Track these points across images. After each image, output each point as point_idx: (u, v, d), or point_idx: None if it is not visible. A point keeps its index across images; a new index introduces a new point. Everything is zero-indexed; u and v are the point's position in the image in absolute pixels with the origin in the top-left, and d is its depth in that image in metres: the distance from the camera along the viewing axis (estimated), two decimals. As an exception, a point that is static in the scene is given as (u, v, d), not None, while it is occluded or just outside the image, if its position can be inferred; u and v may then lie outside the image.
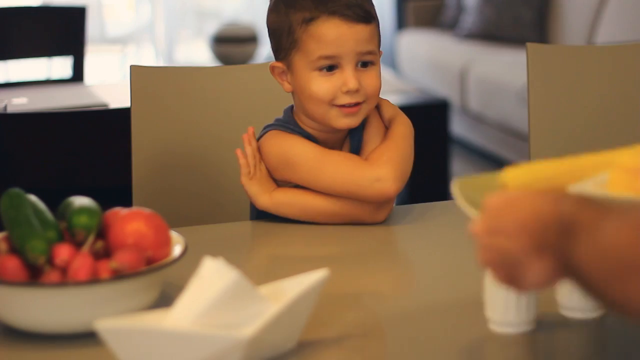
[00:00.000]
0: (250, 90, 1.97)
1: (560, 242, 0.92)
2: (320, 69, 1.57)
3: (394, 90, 3.86)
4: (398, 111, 1.68)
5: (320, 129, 1.63)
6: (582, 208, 0.93)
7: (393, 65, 5.91)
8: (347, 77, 1.56)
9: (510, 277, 1.00)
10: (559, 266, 0.94)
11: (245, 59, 5.46)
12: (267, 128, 1.66)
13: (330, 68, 1.57)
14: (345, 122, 1.59)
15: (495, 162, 4.79)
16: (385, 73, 4.41)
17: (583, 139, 2.12)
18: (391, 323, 1.28)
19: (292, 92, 1.64)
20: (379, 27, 1.62)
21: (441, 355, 1.17)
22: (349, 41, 1.56)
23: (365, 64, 1.58)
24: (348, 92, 1.56)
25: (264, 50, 5.62)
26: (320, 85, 1.57)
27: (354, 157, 1.61)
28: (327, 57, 1.56)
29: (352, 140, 1.67)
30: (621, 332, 1.21)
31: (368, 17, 1.58)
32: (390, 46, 5.97)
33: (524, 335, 1.18)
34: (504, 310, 1.17)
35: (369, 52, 1.58)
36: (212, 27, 5.75)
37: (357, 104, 1.58)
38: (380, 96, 1.68)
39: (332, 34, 1.56)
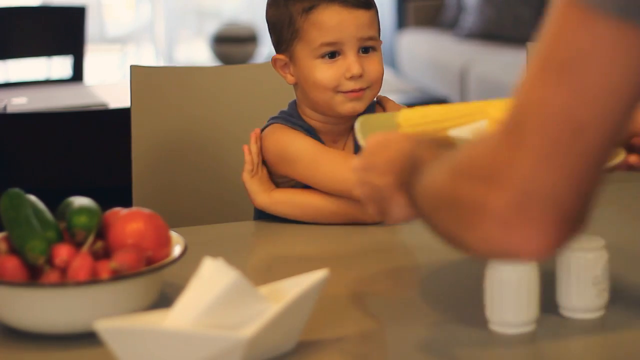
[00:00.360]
0: (250, 90, 1.97)
1: (409, 179, 0.99)
2: (323, 57, 1.58)
3: (394, 89, 3.86)
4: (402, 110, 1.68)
5: (324, 120, 1.64)
6: (427, 150, 1.00)
7: (393, 65, 5.91)
8: (350, 62, 1.57)
9: (381, 209, 1.11)
10: (409, 201, 1.00)
11: (245, 59, 5.46)
12: (271, 121, 1.66)
13: (333, 55, 1.58)
14: (350, 106, 1.59)
15: (495, 162, 4.78)
16: (385, 73, 4.42)
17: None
18: (391, 323, 1.28)
19: (295, 85, 1.65)
20: (378, 15, 1.64)
21: (441, 356, 1.16)
22: (350, 27, 1.57)
23: (366, 50, 1.60)
24: (352, 78, 1.57)
25: (264, 50, 5.62)
26: (324, 72, 1.58)
27: (352, 155, 1.61)
28: (329, 44, 1.58)
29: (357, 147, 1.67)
30: (621, 332, 1.21)
31: (368, 2, 1.60)
32: (391, 46, 5.97)
33: (524, 336, 1.18)
34: (504, 310, 1.17)
35: (370, 38, 1.59)
36: (212, 27, 5.75)
37: (361, 90, 1.59)
38: (381, 96, 1.68)
39: (333, 20, 1.57)
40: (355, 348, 1.18)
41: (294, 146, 1.61)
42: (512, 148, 0.80)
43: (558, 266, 1.23)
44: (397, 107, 1.68)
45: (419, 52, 5.72)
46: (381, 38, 1.66)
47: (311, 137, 1.63)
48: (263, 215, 1.66)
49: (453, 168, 0.88)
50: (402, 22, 5.99)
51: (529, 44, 2.05)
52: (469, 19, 5.47)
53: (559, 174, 0.78)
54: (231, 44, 5.51)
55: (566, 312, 1.23)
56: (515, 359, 1.17)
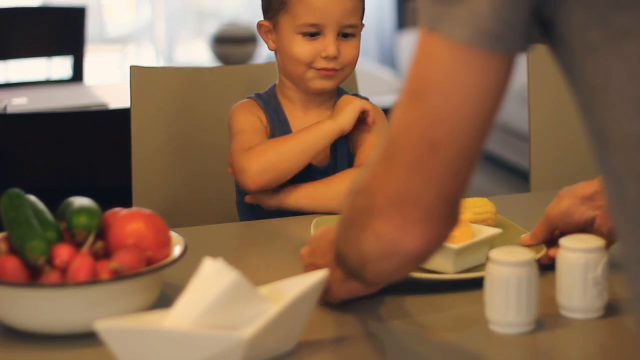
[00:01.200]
0: (250, 90, 1.97)
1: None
2: (304, 34, 1.66)
3: (394, 90, 3.84)
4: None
5: (296, 90, 1.72)
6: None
7: (393, 65, 5.91)
8: (328, 43, 1.66)
9: (325, 289, 1.22)
10: (336, 263, 1.12)
11: (245, 59, 5.45)
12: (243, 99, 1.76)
13: (313, 34, 1.66)
14: (320, 83, 1.69)
15: (495, 162, 4.79)
16: (386, 73, 4.42)
17: (583, 138, 2.12)
18: (391, 323, 1.28)
19: (275, 52, 1.72)
20: (363, 5, 1.71)
21: (441, 356, 1.16)
22: (334, 11, 1.65)
23: (346, 35, 1.68)
24: (326, 58, 1.66)
25: (264, 50, 5.62)
26: (302, 47, 1.67)
27: (251, 147, 1.65)
28: (311, 25, 1.66)
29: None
30: (621, 332, 1.21)
31: None
32: (390, 46, 5.97)
33: (524, 336, 1.18)
34: (504, 310, 1.17)
35: (351, 25, 1.68)
36: (212, 27, 5.75)
37: (333, 69, 1.67)
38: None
39: (320, 2, 1.65)
40: (355, 348, 1.18)
41: (236, 119, 1.70)
42: (387, 163, 0.95)
43: (558, 266, 1.23)
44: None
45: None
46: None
47: (273, 118, 1.72)
48: (246, 217, 1.73)
49: (350, 192, 1.03)
50: (402, 22, 5.99)
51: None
52: (469, 19, 5.47)
53: (424, 182, 0.93)
54: (231, 44, 5.50)
55: (566, 312, 1.23)
56: (515, 359, 1.17)
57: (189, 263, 1.22)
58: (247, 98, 1.75)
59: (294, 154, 1.64)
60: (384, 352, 1.19)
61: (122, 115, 2.08)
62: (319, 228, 1.47)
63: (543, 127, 2.07)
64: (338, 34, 1.67)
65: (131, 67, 1.91)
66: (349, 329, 1.23)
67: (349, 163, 1.73)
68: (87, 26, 3.78)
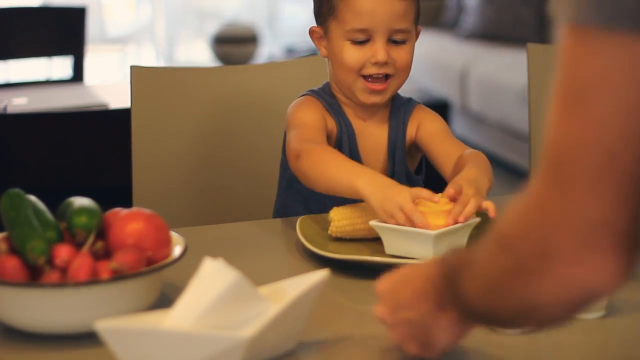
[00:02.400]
0: (250, 90, 1.97)
1: (451, 290, 0.97)
2: (353, 39, 1.61)
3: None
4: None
5: (349, 101, 1.67)
6: (456, 256, 0.99)
7: (393, 65, 5.91)
8: (377, 49, 1.60)
9: (424, 344, 1.06)
10: (461, 312, 0.99)
11: (245, 59, 5.46)
12: (303, 93, 1.70)
13: (363, 41, 1.61)
14: (369, 99, 1.63)
15: (496, 163, 4.79)
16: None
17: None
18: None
19: (328, 58, 1.68)
20: (418, 3, 1.64)
21: (441, 356, 1.16)
22: (382, 15, 1.59)
23: (396, 42, 1.61)
24: (376, 64, 1.60)
25: (264, 50, 5.62)
26: (351, 54, 1.61)
27: (311, 140, 1.59)
28: (360, 30, 1.60)
29: (391, 126, 1.69)
30: (621, 332, 1.21)
31: None
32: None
33: (524, 336, 1.18)
34: (504, 310, 1.17)
35: (402, 30, 1.61)
36: (212, 27, 5.76)
37: (385, 77, 1.61)
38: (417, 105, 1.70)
39: (367, 6, 1.59)
40: (355, 348, 1.18)
41: (295, 113, 1.65)
42: (556, 188, 0.80)
43: (558, 266, 1.23)
44: (427, 115, 1.70)
45: (419, 52, 5.66)
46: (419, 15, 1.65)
47: (334, 111, 1.66)
48: (281, 214, 1.70)
49: (499, 239, 0.87)
50: (402, 22, 5.99)
51: (529, 45, 2.05)
52: (469, 20, 5.47)
53: (611, 201, 0.78)
54: (231, 44, 5.51)
55: (566, 312, 1.23)
56: (515, 359, 1.17)
57: (189, 263, 1.22)
58: (304, 95, 1.70)
59: (324, 182, 1.53)
60: (384, 352, 1.19)
61: (122, 115, 2.08)
62: (303, 229, 1.50)
63: (543, 127, 2.06)
64: (388, 39, 1.60)
65: (131, 67, 1.91)
66: (349, 329, 1.23)
67: (408, 180, 1.69)
68: (88, 26, 3.78)
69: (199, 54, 6.41)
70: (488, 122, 4.86)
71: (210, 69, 2.02)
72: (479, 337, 1.19)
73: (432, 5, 5.94)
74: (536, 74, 2.05)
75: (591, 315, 1.22)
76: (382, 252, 1.44)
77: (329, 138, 1.65)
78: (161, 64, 6.27)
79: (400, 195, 1.42)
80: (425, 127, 1.69)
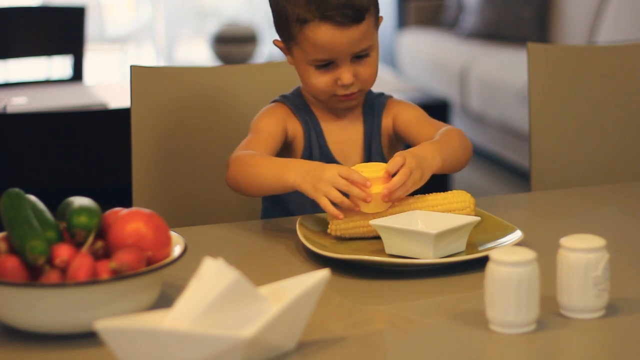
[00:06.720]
0: (250, 90, 1.97)
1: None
2: (317, 65, 1.63)
3: (394, 89, 3.84)
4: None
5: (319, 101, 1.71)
6: None
7: (393, 64, 5.91)
8: (342, 72, 1.62)
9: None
10: None
11: (245, 59, 5.45)
12: (271, 102, 1.73)
13: (326, 65, 1.62)
14: (343, 105, 1.68)
15: (496, 162, 4.79)
16: (386, 72, 4.41)
17: (583, 138, 2.12)
18: (391, 323, 1.28)
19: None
20: (376, 12, 1.64)
21: (441, 356, 1.16)
22: (341, 45, 1.60)
23: (360, 57, 1.63)
24: (344, 86, 1.63)
25: (264, 50, 5.62)
26: (318, 79, 1.64)
27: (249, 147, 1.63)
28: (321, 60, 1.62)
29: (366, 120, 1.72)
30: (621, 332, 1.21)
31: (359, 15, 1.59)
32: (391, 45, 5.97)
33: (524, 336, 1.18)
34: (504, 310, 1.17)
35: (363, 50, 1.62)
36: (212, 27, 5.75)
37: (352, 94, 1.65)
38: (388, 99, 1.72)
39: (325, 40, 1.59)
40: (355, 348, 1.18)
41: (256, 120, 1.69)
42: None
43: (558, 266, 1.23)
44: (400, 106, 1.73)
45: (419, 52, 5.72)
46: (381, 38, 1.66)
47: (300, 112, 1.70)
48: (269, 214, 1.70)
49: None
50: (402, 22, 5.99)
51: (530, 44, 2.05)
52: (469, 19, 5.47)
53: None
54: (231, 44, 5.50)
55: (566, 312, 1.23)
56: (515, 359, 1.17)
57: (189, 263, 1.22)
58: (274, 101, 1.73)
59: (255, 184, 1.58)
60: (384, 353, 1.19)
61: (122, 115, 2.08)
62: (303, 228, 1.52)
63: (543, 127, 2.07)
64: (351, 59, 1.62)
65: (131, 66, 1.91)
66: (349, 329, 1.23)
67: None
68: (87, 26, 3.78)
69: (198, 53, 6.41)
70: (488, 121, 4.86)
71: (210, 69, 2.02)
72: (479, 337, 1.19)
73: (432, 5, 5.94)
74: (536, 74, 2.05)
75: (591, 315, 1.22)
76: (382, 252, 1.44)
77: (295, 139, 1.70)
78: (161, 63, 6.27)
79: (328, 172, 1.47)
80: (401, 116, 1.73)
